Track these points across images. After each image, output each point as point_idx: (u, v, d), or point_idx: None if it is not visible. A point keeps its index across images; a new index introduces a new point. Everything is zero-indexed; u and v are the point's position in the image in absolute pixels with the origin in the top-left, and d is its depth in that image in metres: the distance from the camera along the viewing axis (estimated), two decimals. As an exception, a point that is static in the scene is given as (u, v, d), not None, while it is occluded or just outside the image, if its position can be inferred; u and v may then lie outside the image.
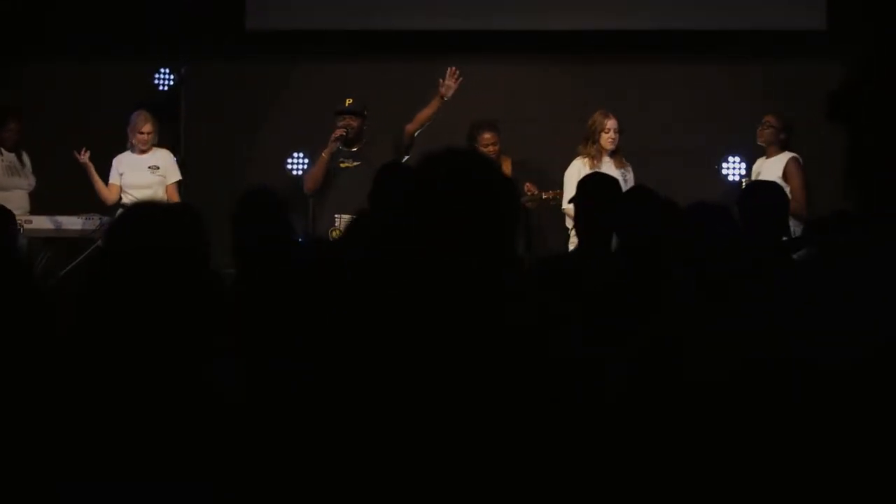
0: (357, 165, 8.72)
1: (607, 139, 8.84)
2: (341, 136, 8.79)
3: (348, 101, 9.02)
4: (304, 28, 10.34)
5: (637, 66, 10.15)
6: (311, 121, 10.16)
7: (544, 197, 8.86)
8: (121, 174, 9.36)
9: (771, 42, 9.87)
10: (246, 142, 10.47)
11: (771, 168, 8.77)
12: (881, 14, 9.05)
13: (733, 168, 9.31)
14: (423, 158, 2.33)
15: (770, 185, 6.37)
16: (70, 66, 10.55)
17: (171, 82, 10.40)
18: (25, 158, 9.85)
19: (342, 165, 8.82)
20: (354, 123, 8.93)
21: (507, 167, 9.07)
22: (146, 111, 9.49)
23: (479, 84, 10.22)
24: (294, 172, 9.86)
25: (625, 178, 8.58)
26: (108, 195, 9.32)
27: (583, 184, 5.53)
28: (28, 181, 9.76)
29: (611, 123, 8.86)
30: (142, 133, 9.33)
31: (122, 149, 9.46)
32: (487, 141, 9.14)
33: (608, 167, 8.74)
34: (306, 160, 9.73)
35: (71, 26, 10.48)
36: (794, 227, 7.65)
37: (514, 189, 2.37)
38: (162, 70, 10.40)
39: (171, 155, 9.46)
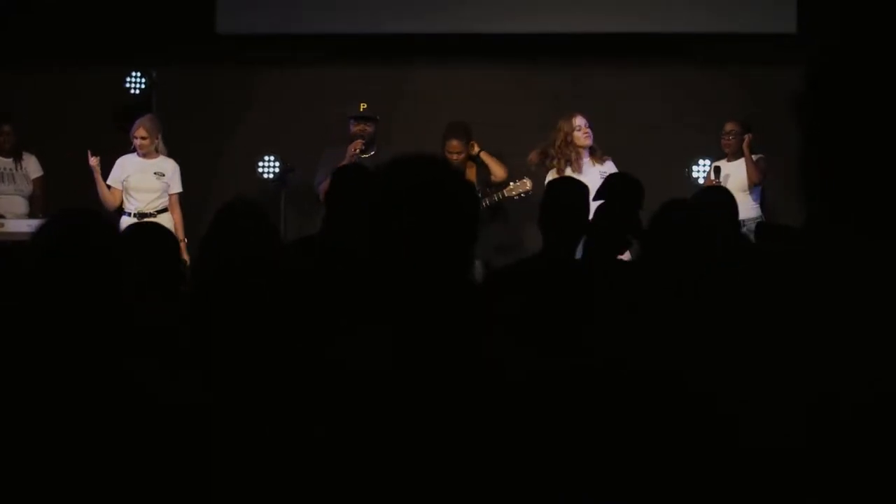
0: None
1: (581, 136, 8.85)
2: (361, 148, 8.80)
3: (363, 106, 9.05)
4: (276, 32, 10.32)
5: (609, 69, 10.17)
6: (283, 124, 10.16)
7: (507, 194, 8.87)
8: (126, 176, 9.32)
9: (741, 45, 9.90)
10: (217, 145, 10.45)
11: (739, 170, 8.84)
12: (851, 17, 9.09)
13: (703, 171, 9.33)
14: (385, 164, 2.33)
15: (717, 190, 6.50)
16: (40, 70, 10.51)
17: (143, 86, 10.37)
18: (27, 162, 9.83)
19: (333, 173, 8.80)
20: (370, 129, 8.97)
21: (471, 174, 9.06)
22: (150, 117, 9.49)
23: (451, 88, 10.23)
24: (265, 176, 9.84)
25: (603, 176, 8.61)
26: (111, 200, 9.25)
27: (551, 186, 5.56)
28: (21, 186, 9.75)
29: (579, 121, 8.87)
30: (135, 138, 9.30)
31: (94, 153, 9.42)
32: (454, 149, 9.13)
33: (587, 167, 8.77)
34: (277, 164, 9.71)
35: (40, 31, 10.43)
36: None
37: (469, 195, 2.37)
38: (133, 74, 10.36)
39: (177, 166, 9.40)
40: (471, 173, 9.09)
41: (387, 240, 2.23)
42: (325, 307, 2.41)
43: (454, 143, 9.16)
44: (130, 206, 9.21)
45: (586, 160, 8.88)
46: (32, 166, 9.89)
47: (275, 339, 2.41)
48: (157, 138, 9.35)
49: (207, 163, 10.27)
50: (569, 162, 8.83)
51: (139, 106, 10.09)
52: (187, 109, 10.37)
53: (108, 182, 9.28)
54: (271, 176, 9.78)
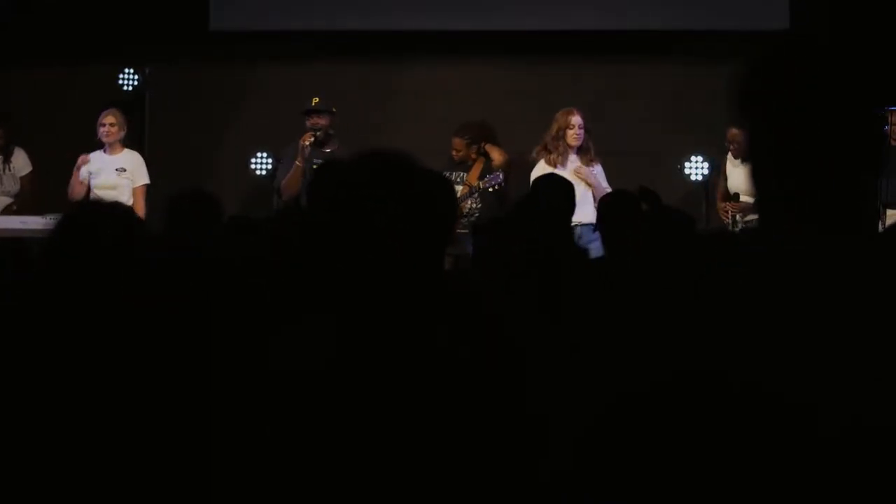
0: None
1: (572, 135, 8.87)
2: (311, 141, 8.76)
3: (315, 100, 8.99)
4: (269, 29, 10.31)
5: (602, 66, 10.17)
6: (276, 121, 10.14)
7: (482, 187, 8.86)
8: (90, 173, 9.33)
9: (734, 42, 9.89)
10: (210, 142, 10.44)
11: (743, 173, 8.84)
12: (844, 13, 9.10)
13: (696, 168, 9.33)
14: (352, 160, 2.33)
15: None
16: (34, 67, 10.49)
17: (136, 83, 10.35)
18: (16, 159, 9.83)
19: (316, 167, 8.80)
20: (323, 122, 8.90)
21: (476, 169, 9.08)
22: (118, 110, 9.48)
23: (443, 85, 10.23)
24: (258, 172, 9.83)
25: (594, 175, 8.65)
26: (72, 192, 9.28)
27: (535, 185, 5.60)
28: (8, 187, 9.74)
29: (575, 120, 8.89)
30: (102, 125, 9.32)
31: (87, 150, 9.43)
32: (454, 146, 9.17)
33: (573, 165, 8.77)
34: (270, 160, 9.70)
35: (34, 28, 10.41)
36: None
37: (443, 191, 2.35)
38: (126, 70, 10.35)
39: (141, 158, 9.42)
40: (476, 169, 9.09)
41: (340, 219, 2.22)
42: (271, 298, 2.41)
43: (454, 141, 9.19)
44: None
45: (572, 156, 8.88)
46: (21, 162, 9.88)
47: (216, 332, 2.41)
48: (125, 130, 9.38)
49: (200, 159, 10.26)
50: (558, 155, 8.84)
51: (132, 102, 10.08)
52: (180, 106, 10.36)
53: (81, 171, 9.35)
54: (264, 172, 9.77)
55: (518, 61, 10.21)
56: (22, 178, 9.87)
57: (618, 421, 1.59)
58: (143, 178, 9.36)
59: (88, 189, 9.29)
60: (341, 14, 10.21)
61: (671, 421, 1.57)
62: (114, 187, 9.22)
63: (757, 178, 1.72)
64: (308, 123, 8.94)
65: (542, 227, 5.22)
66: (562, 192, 5.80)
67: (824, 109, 1.67)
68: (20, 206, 9.68)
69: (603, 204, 5.89)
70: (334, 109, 8.99)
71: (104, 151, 9.38)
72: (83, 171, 9.31)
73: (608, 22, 10.02)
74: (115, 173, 9.32)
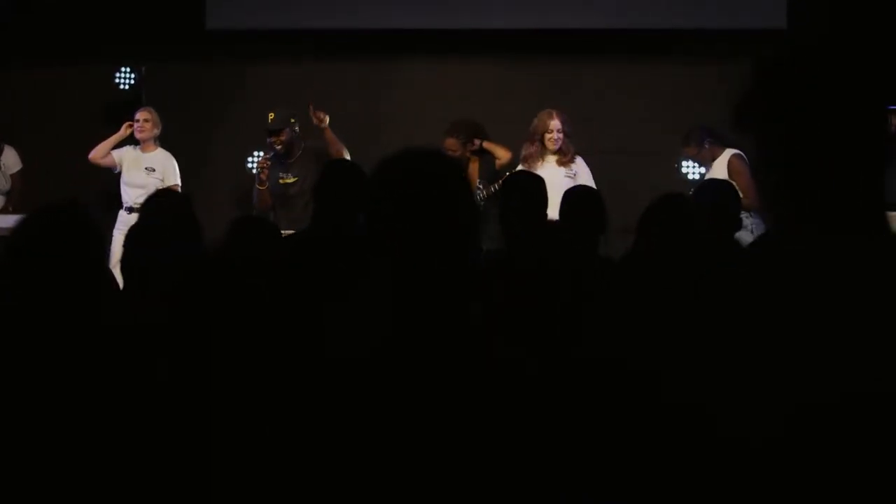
0: (296, 180, 8.77)
1: (550, 139, 8.79)
2: (267, 165, 8.85)
3: (271, 117, 9.02)
4: (265, 28, 10.30)
5: (597, 65, 10.16)
6: (273, 120, 10.12)
7: (495, 190, 8.86)
8: (120, 164, 9.43)
9: (730, 41, 9.89)
10: (207, 140, 10.43)
11: (716, 170, 8.81)
12: (841, 12, 9.09)
13: (692, 167, 9.33)
14: (381, 162, 2.34)
15: (720, 183, 6.44)
16: (31, 67, 10.48)
17: (132, 81, 10.36)
18: (6, 157, 9.82)
19: (281, 182, 8.87)
20: (283, 138, 8.92)
21: (473, 169, 9.08)
22: (152, 109, 9.58)
23: (439, 84, 10.22)
24: (255, 171, 9.83)
25: (572, 176, 8.57)
26: (98, 157, 9.41)
27: (506, 183, 5.62)
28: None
29: (554, 124, 8.81)
30: (137, 120, 9.41)
31: (82, 150, 9.45)
32: (448, 147, 9.14)
33: (550, 164, 8.74)
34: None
35: (31, 27, 10.40)
36: (753, 226, 7.70)
37: (468, 190, 2.37)
38: (123, 69, 10.35)
39: (172, 159, 9.45)
40: (473, 168, 9.08)
41: (377, 228, 2.23)
42: (315, 297, 2.41)
43: (448, 142, 9.15)
44: (127, 198, 9.26)
45: (550, 158, 8.85)
46: (12, 160, 9.88)
47: (267, 332, 2.40)
48: (159, 129, 9.41)
49: (197, 159, 10.25)
50: (537, 156, 8.85)
51: (129, 102, 10.08)
52: (177, 105, 10.35)
53: (113, 153, 9.41)
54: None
55: (516, 60, 10.19)
56: (12, 176, 9.87)
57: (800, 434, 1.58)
58: (173, 179, 9.38)
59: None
60: (337, 13, 10.20)
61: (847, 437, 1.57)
62: (142, 186, 9.19)
63: (765, 180, 1.71)
64: (269, 141, 8.99)
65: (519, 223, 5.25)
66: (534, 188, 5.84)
67: (829, 111, 1.66)
68: (14, 205, 9.67)
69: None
70: (293, 119, 9.01)
71: (134, 147, 9.44)
72: (116, 155, 9.39)
73: (605, 21, 10.01)
74: (145, 172, 9.33)
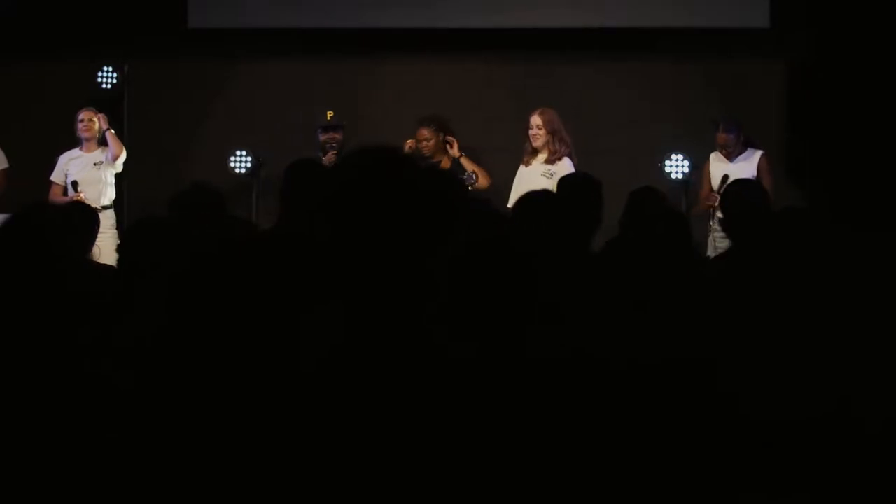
0: None
1: (530, 136, 8.93)
2: (333, 160, 8.84)
3: (329, 115, 9.07)
4: (247, 26, 10.29)
5: (582, 64, 10.16)
6: (255, 119, 10.12)
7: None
8: (66, 173, 9.45)
9: (714, 39, 9.91)
10: (189, 140, 10.41)
11: (743, 167, 8.82)
12: (824, 10, 9.10)
13: (676, 166, 9.32)
14: (340, 160, 2.32)
15: (752, 184, 6.50)
16: (12, 64, 10.44)
17: (115, 80, 10.33)
18: None
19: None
20: (339, 136, 9.02)
21: (445, 165, 9.08)
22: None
23: (423, 83, 10.21)
24: (237, 170, 9.80)
25: (549, 175, 8.57)
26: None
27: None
28: None
29: (533, 120, 8.95)
30: (80, 121, 9.49)
31: (64, 150, 9.46)
32: (422, 136, 9.20)
33: (538, 162, 8.82)
34: (249, 158, 9.68)
35: (12, 24, 10.36)
36: None
37: (437, 183, 2.34)
38: (105, 68, 10.32)
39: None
40: (445, 164, 9.09)
41: (340, 225, 2.21)
42: (283, 295, 2.39)
43: (422, 131, 9.23)
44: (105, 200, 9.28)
45: (540, 156, 8.91)
46: None
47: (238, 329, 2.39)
48: (104, 126, 9.44)
49: (179, 157, 10.23)
50: (527, 155, 8.94)
51: (111, 100, 10.06)
52: (159, 104, 10.33)
53: (52, 178, 9.44)
54: (243, 170, 9.75)
55: (502, 59, 10.19)
56: None
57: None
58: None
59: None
60: (320, 12, 10.19)
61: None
62: (97, 181, 9.31)
63: (797, 177, 1.73)
64: (323, 138, 9.03)
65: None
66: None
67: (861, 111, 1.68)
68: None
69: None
70: (345, 123, 9.12)
71: (79, 149, 9.48)
72: (56, 173, 9.43)
73: (589, 20, 10.01)
74: (94, 167, 9.38)
